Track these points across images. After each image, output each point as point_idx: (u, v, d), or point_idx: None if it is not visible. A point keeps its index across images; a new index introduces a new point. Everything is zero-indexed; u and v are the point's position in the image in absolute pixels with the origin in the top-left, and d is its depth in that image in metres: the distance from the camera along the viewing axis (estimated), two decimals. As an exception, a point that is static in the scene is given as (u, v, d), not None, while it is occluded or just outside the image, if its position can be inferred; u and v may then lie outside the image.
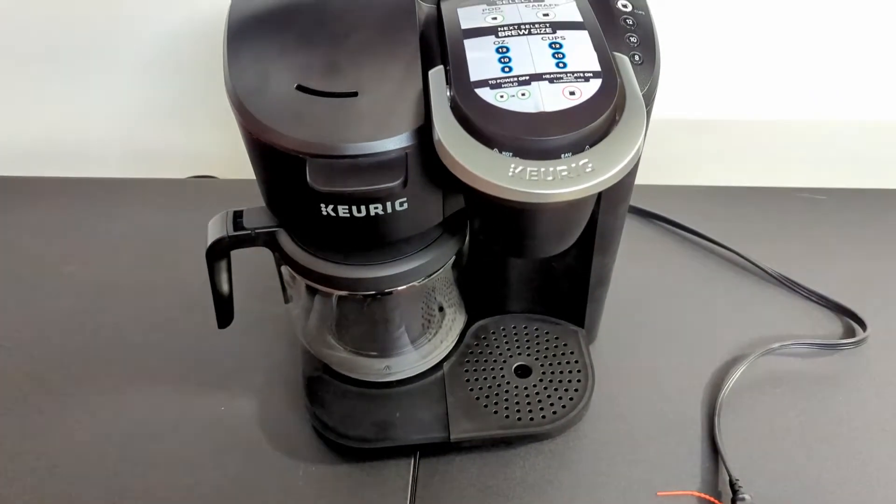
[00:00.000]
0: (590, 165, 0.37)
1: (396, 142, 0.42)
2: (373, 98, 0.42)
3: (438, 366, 0.61)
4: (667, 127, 0.73)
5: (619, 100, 0.40)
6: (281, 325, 0.68)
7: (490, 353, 0.63)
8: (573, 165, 0.37)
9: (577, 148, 0.38)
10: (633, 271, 0.71)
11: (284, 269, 0.55)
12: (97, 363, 0.66)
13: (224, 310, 0.56)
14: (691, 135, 0.80)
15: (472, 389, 0.60)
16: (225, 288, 0.55)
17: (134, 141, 0.91)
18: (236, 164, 0.88)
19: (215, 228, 0.51)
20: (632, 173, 0.49)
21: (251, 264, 0.58)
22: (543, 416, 0.58)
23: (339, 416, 0.59)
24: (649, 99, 0.45)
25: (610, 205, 0.52)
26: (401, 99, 0.43)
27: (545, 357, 0.62)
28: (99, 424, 0.62)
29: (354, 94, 0.42)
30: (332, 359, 0.61)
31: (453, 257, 0.53)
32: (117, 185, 0.85)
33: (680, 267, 0.74)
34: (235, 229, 0.51)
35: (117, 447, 0.61)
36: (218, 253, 0.52)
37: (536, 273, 0.62)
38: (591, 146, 0.38)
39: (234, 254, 0.52)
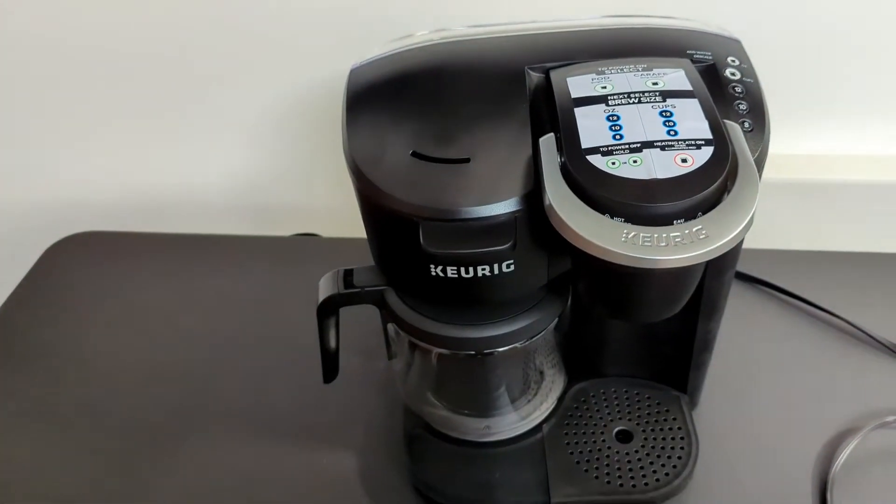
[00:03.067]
0: (703, 232, 0.37)
1: (506, 206, 0.43)
2: (484, 164, 0.44)
3: (538, 428, 0.61)
4: (773, 189, 0.72)
5: (731, 167, 0.40)
6: (383, 381, 0.69)
7: (590, 416, 0.62)
8: (686, 232, 0.38)
9: (689, 215, 0.38)
10: (738, 337, 0.69)
11: (390, 326, 0.57)
12: (203, 414, 0.69)
13: (330, 365, 0.58)
14: (799, 197, 0.79)
15: (572, 453, 0.59)
16: (332, 344, 0.57)
17: (241, 197, 0.95)
18: (339, 221, 0.91)
19: (326, 286, 0.54)
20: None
21: (357, 320, 0.60)
22: (646, 484, 0.57)
23: (439, 475, 0.59)
24: (760, 166, 0.45)
25: (717, 270, 0.51)
26: (511, 165, 0.44)
27: (647, 422, 0.61)
28: (201, 475, 0.64)
29: (467, 161, 0.44)
30: (433, 416, 0.61)
31: (556, 320, 0.54)
32: (225, 242, 0.89)
33: (786, 334, 0.72)
34: (346, 287, 0.53)
35: (219, 498, 0.62)
36: (328, 310, 0.54)
37: (638, 337, 0.62)
38: (703, 213, 0.39)
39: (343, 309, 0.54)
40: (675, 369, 0.62)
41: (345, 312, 0.55)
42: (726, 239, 0.37)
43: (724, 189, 0.40)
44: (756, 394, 0.67)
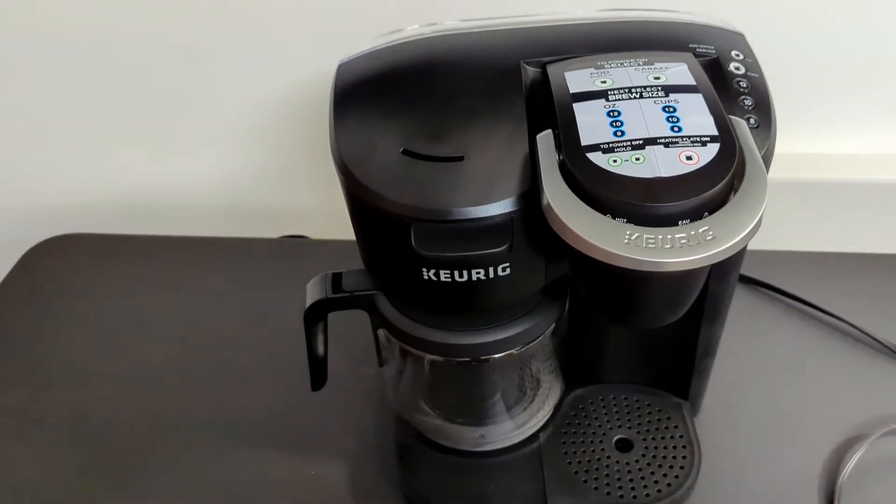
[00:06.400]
0: (711, 233, 0.35)
1: (502, 206, 0.41)
2: (479, 162, 0.42)
3: (534, 436, 0.59)
4: (776, 189, 0.71)
5: (738, 165, 0.38)
6: (374, 388, 0.67)
7: (589, 424, 0.60)
8: (693, 233, 0.36)
9: (695, 215, 0.36)
10: (740, 341, 0.67)
11: (381, 332, 0.55)
12: (188, 421, 0.67)
13: (318, 372, 0.56)
14: (801, 197, 0.77)
15: (570, 463, 0.58)
16: (321, 350, 0.55)
17: (228, 199, 0.94)
18: (328, 223, 0.89)
19: (314, 290, 0.51)
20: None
21: (348, 325, 0.58)
22: (647, 495, 0.55)
23: (432, 486, 0.57)
24: (767, 163, 0.43)
25: (721, 272, 0.49)
26: (507, 163, 0.42)
27: (647, 430, 0.60)
28: (187, 484, 0.62)
29: (460, 159, 0.42)
30: (426, 425, 0.59)
31: (553, 325, 0.52)
32: (211, 244, 0.87)
33: (790, 338, 0.71)
34: (334, 292, 0.51)
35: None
36: (316, 315, 0.52)
37: (638, 342, 0.60)
38: (710, 213, 0.37)
39: (332, 314, 0.52)
40: (676, 375, 0.61)
41: (334, 315, 0.52)
42: (735, 240, 0.35)
43: (731, 188, 0.38)
44: (759, 400, 0.65)
